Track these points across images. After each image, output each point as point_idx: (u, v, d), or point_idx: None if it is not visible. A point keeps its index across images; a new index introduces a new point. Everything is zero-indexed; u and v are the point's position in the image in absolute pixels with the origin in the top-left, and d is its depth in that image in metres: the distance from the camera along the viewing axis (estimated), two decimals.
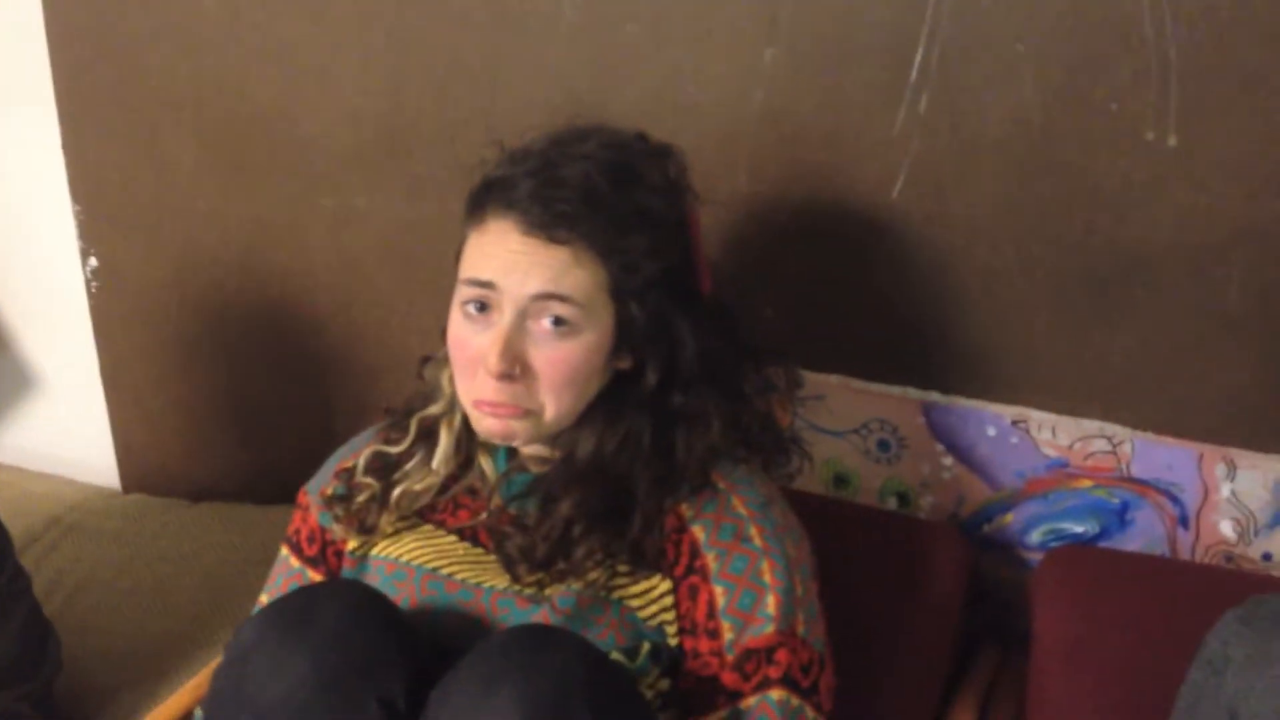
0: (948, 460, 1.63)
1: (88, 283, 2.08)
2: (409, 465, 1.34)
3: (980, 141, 1.50)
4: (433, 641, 1.19)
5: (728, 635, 1.22)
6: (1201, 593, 1.45)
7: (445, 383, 1.34)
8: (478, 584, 1.27)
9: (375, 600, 1.19)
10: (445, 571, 1.29)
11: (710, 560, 1.24)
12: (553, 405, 1.23)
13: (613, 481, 1.26)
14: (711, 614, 1.23)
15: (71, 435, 2.23)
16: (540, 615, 1.23)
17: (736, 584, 1.23)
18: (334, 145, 1.84)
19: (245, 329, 2.01)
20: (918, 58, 1.49)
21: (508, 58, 1.69)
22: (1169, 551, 1.56)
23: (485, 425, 1.25)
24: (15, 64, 2.02)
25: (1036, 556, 1.58)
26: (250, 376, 2.04)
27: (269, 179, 1.90)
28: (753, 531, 1.25)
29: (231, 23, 1.83)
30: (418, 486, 1.33)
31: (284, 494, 1.55)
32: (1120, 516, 1.57)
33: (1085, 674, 1.43)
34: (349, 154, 1.83)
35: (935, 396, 1.61)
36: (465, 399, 1.27)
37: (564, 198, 1.20)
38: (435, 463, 1.33)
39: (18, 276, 2.21)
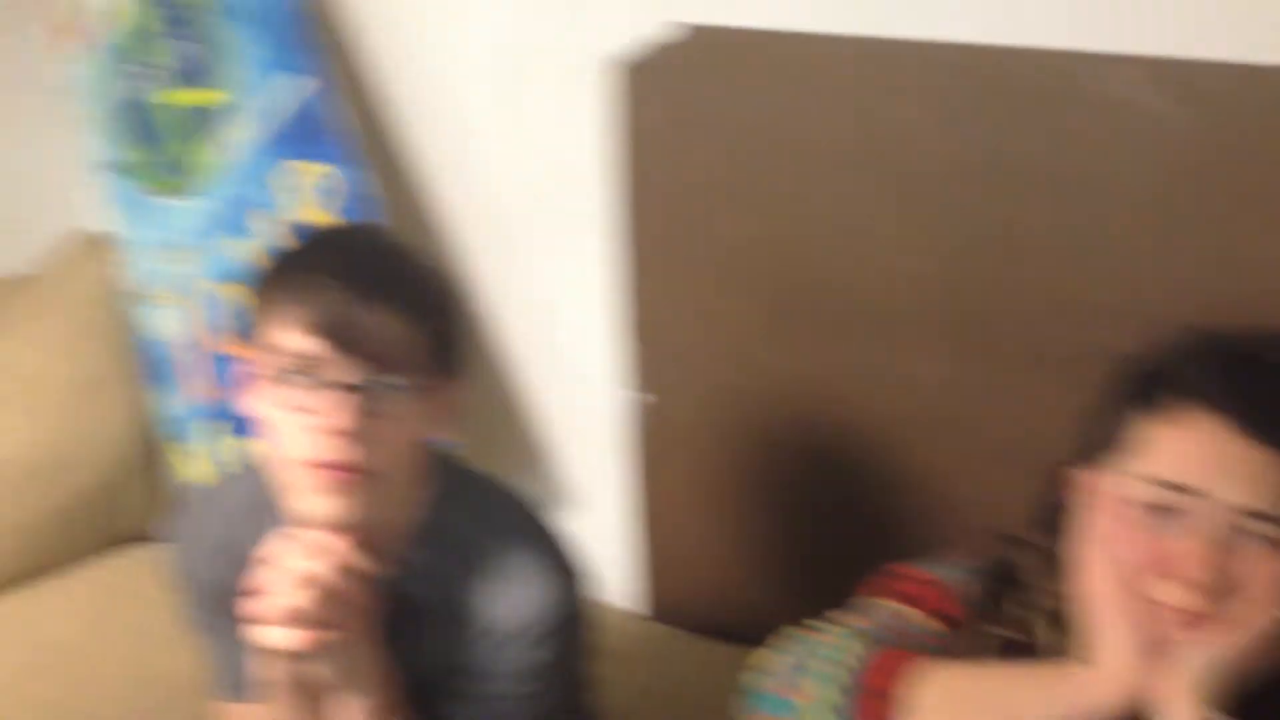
0: None
1: (636, 417, 2.17)
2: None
3: None
4: None
5: None
6: None
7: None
8: None
9: None
10: None
11: None
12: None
13: None
14: None
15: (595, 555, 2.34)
16: None
17: None
18: (889, 309, 1.85)
19: (785, 479, 2.05)
20: None
21: (1083, 234, 1.65)
22: None
23: None
24: (584, 201, 2.14)
25: None
26: (783, 526, 2.09)
27: (823, 339, 1.93)
28: None
29: (799, 189, 1.88)
30: None
31: None
32: None
33: None
34: (904, 318, 1.85)
35: None
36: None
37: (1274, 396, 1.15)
38: None
39: (562, 402, 2.36)
